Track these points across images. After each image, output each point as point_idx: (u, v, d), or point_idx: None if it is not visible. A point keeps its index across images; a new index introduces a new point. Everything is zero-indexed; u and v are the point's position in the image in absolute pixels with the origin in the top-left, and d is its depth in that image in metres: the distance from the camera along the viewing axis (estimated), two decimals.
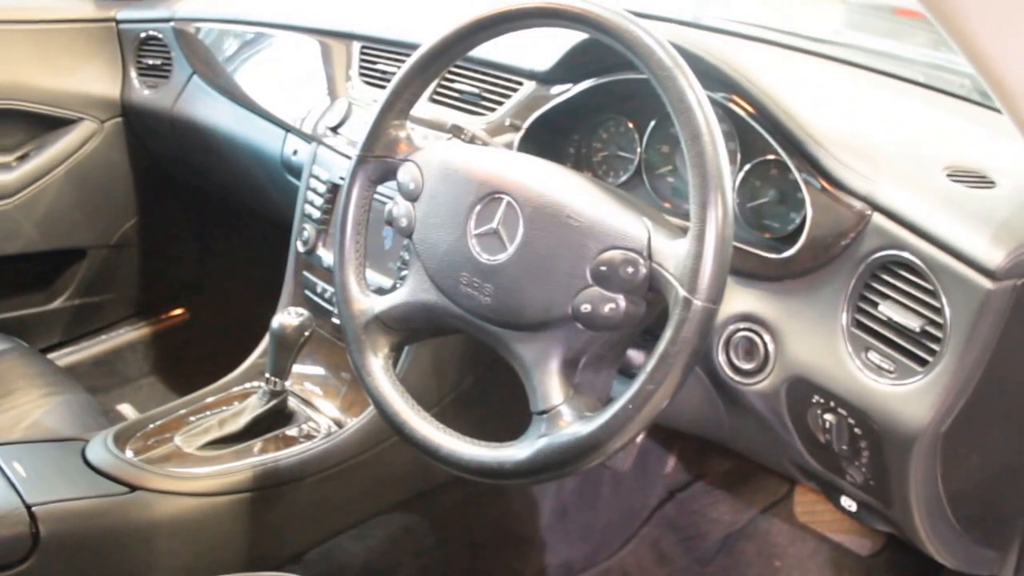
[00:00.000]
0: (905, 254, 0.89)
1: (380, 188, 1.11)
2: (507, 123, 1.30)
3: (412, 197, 1.03)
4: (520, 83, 1.34)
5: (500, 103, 1.35)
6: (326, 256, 1.51)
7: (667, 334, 0.82)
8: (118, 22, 2.07)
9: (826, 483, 1.09)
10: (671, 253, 0.84)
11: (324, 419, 1.45)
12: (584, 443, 0.85)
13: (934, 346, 0.86)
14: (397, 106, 1.06)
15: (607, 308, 0.87)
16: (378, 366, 1.03)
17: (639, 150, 1.22)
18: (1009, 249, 0.82)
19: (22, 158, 1.99)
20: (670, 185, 1.21)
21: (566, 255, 0.90)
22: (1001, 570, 1.07)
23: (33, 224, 1.99)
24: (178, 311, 2.35)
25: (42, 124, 2.00)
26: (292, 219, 1.59)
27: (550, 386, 0.89)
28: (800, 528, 1.70)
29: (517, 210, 0.94)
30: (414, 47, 1.07)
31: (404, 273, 1.10)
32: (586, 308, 0.87)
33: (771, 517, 1.74)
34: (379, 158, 1.07)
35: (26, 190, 1.98)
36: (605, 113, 1.25)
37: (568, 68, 1.24)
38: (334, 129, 1.56)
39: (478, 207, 0.97)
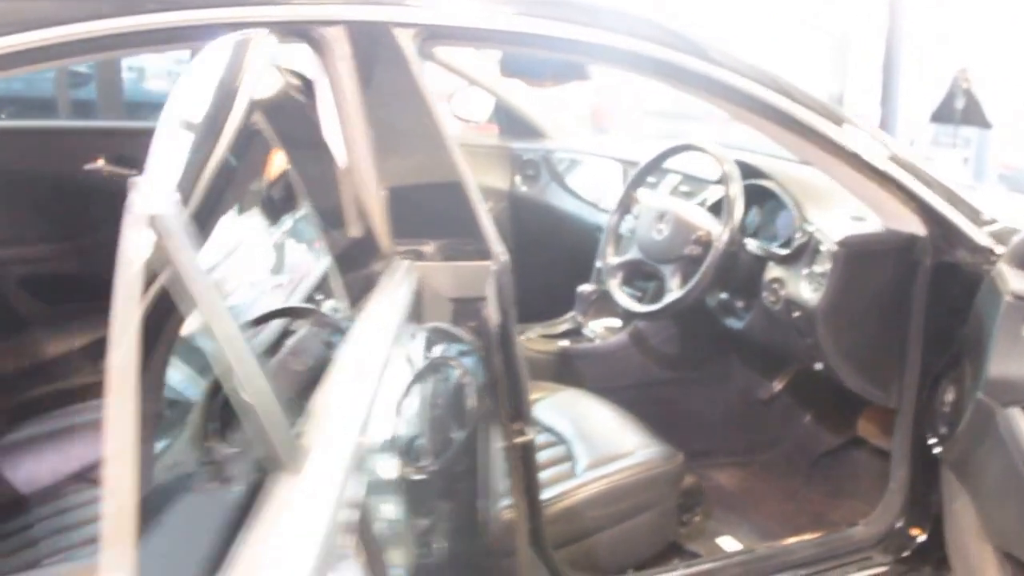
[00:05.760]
0: (822, 245, 2.22)
1: None
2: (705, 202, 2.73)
3: (634, 216, 2.52)
4: (709, 184, 2.79)
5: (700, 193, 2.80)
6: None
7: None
8: (511, 149, 3.58)
9: (809, 359, 2.38)
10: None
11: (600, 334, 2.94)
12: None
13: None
14: (635, 184, 2.57)
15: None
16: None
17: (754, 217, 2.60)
18: (845, 235, 2.14)
19: None
20: (771, 232, 2.56)
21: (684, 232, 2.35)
22: (888, 401, 2.28)
23: None
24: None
25: None
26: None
27: (672, 282, 2.34)
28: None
29: (672, 218, 2.40)
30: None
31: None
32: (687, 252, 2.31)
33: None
34: (624, 204, 2.58)
35: None
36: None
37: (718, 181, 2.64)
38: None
39: (657, 218, 2.43)
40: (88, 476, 2.10)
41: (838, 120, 1.91)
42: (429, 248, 1.55)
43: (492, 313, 1.52)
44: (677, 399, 2.93)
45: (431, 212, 1.57)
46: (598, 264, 2.93)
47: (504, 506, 1.68)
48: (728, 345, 2.87)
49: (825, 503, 2.74)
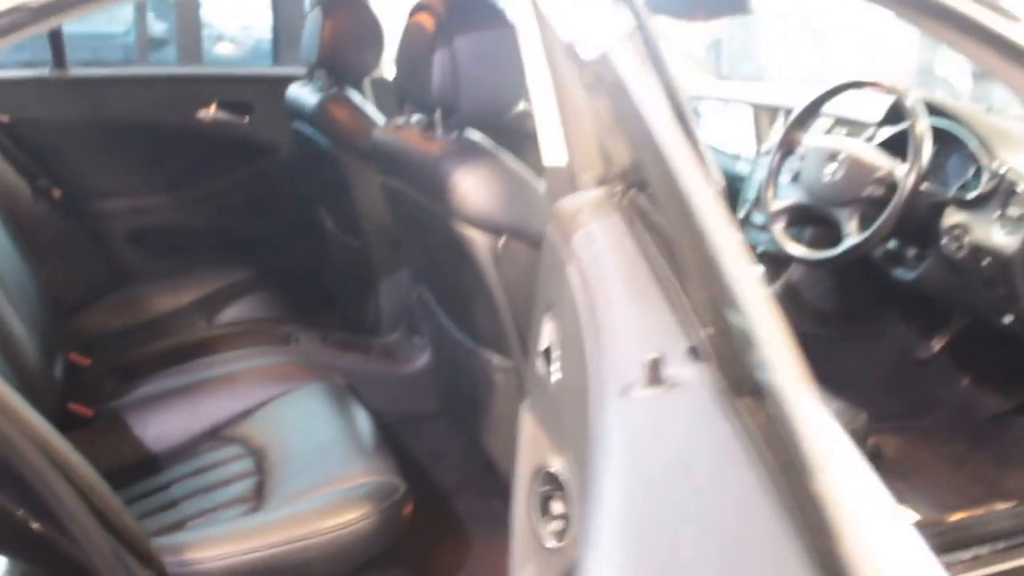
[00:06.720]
0: (1018, 187, 2.00)
1: None
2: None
3: (798, 158, 2.31)
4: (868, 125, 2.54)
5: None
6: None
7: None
8: None
9: (995, 312, 2.16)
10: None
11: None
12: None
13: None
14: (797, 124, 2.35)
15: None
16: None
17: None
18: None
19: None
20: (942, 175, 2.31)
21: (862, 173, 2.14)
22: None
23: None
24: None
25: None
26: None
27: (848, 226, 2.13)
28: None
29: (847, 159, 2.19)
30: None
31: None
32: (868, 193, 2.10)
33: None
34: (785, 146, 2.36)
35: None
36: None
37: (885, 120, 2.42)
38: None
39: (827, 159, 2.22)
40: (220, 433, 1.97)
41: None
42: None
43: None
44: (829, 357, 2.69)
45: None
46: (740, 214, 2.72)
47: None
48: (887, 299, 2.65)
49: (996, 472, 2.51)
